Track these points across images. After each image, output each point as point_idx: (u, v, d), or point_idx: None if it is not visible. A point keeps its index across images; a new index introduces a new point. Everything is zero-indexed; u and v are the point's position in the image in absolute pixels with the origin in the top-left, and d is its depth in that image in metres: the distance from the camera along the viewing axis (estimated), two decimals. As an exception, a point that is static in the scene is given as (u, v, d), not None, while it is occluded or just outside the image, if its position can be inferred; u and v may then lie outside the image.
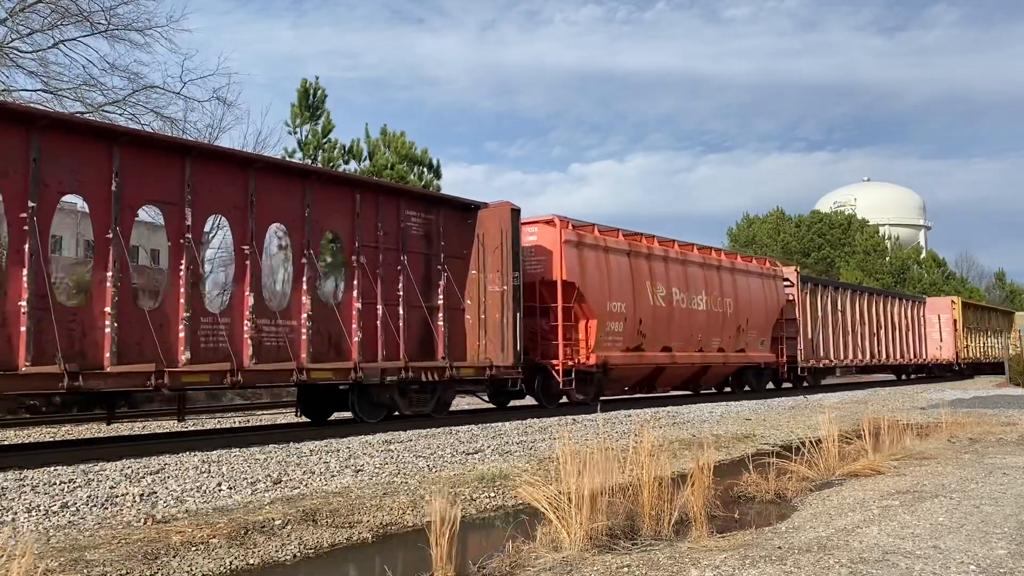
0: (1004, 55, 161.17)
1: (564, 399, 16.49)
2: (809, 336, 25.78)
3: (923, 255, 66.70)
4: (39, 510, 6.30)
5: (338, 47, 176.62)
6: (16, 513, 6.21)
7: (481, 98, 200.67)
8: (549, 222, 16.37)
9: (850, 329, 29.31)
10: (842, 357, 28.49)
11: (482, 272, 14.55)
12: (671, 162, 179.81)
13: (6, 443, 11.64)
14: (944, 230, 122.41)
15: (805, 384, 26.01)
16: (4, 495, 6.72)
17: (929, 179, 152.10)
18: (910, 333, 34.88)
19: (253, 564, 5.39)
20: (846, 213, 68.31)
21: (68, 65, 20.81)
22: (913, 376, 37.46)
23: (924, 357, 36.03)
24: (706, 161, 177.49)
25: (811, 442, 8.67)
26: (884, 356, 32.13)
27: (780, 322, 23.96)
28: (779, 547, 5.19)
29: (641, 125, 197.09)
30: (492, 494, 7.56)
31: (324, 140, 27.93)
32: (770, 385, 25.11)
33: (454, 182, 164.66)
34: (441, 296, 14.02)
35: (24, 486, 7.08)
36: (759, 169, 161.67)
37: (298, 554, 5.69)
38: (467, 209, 14.84)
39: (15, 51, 20.12)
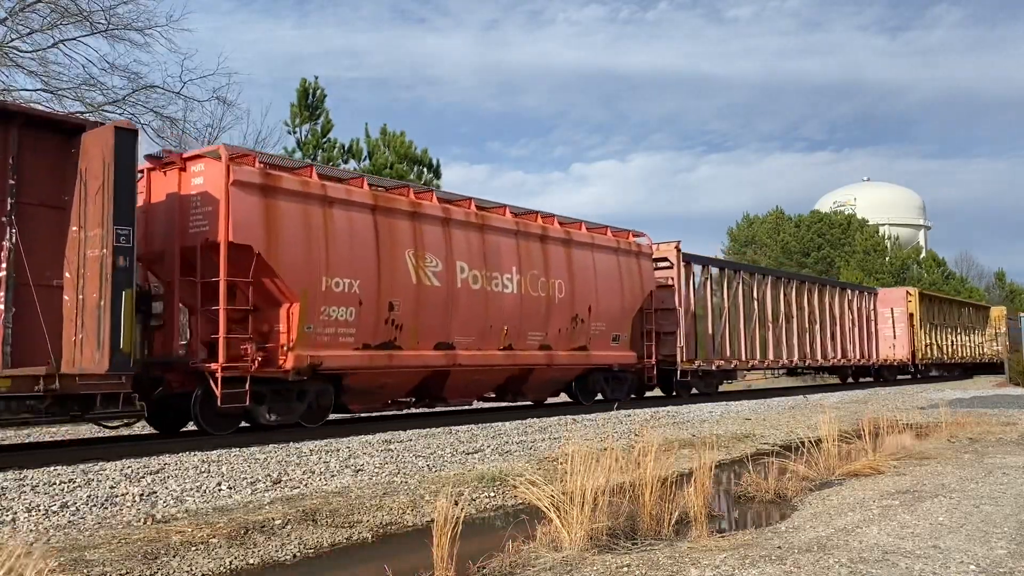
0: (1007, 55, 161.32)
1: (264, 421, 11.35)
2: (709, 331, 21.12)
3: (923, 255, 66.68)
4: (39, 510, 6.30)
5: (341, 47, 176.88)
6: (16, 513, 6.21)
7: (484, 98, 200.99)
8: (215, 155, 10.97)
9: (771, 324, 24.21)
10: (756, 358, 23.35)
11: (83, 228, 9.45)
12: (673, 162, 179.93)
13: (6, 443, 11.63)
14: (944, 230, 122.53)
15: (694, 392, 20.85)
16: (4, 495, 6.72)
17: (930, 179, 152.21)
18: (857, 329, 30.17)
19: (253, 564, 5.39)
20: (846, 213, 68.29)
21: (68, 65, 20.81)
22: (860, 380, 32.72)
23: (874, 357, 31.27)
24: (708, 161, 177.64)
25: (811, 442, 8.68)
26: (820, 356, 27.18)
27: (649, 313, 18.54)
28: (779, 547, 5.19)
29: (643, 125, 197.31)
30: (492, 494, 7.56)
31: (323, 140, 27.94)
32: (669, 394, 20.76)
33: (456, 181, 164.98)
34: (3, 266, 9.17)
35: (24, 486, 7.08)
36: (761, 169, 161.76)
37: (298, 554, 5.69)
38: (64, 131, 9.76)
39: (15, 51, 20.13)
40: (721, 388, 23.63)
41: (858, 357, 30.14)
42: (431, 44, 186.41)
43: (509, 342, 14.56)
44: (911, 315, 33.12)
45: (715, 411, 16.13)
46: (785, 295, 25.29)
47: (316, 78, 28.15)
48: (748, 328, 23.05)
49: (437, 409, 15.86)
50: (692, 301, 20.55)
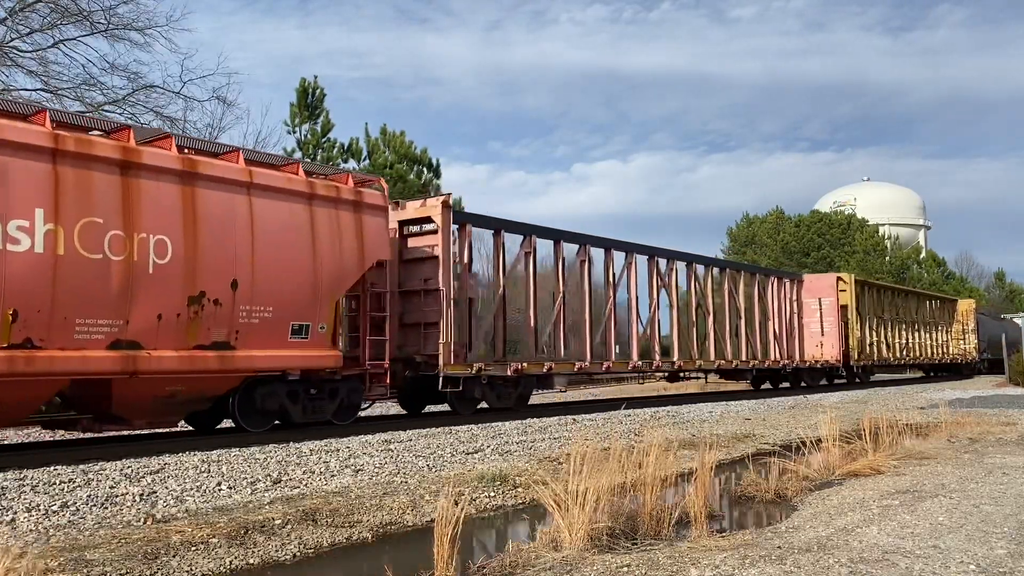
0: (1010, 55, 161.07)
1: None
2: (509, 322, 16.45)
3: (923, 255, 66.70)
4: (39, 510, 6.30)
5: (344, 47, 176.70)
6: (16, 513, 6.21)
7: (486, 98, 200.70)
8: None
9: (635, 316, 19.09)
10: (592, 359, 17.35)
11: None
12: (674, 162, 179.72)
13: (6, 443, 11.64)
14: (944, 230, 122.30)
15: (483, 407, 15.39)
16: (4, 495, 6.72)
17: (931, 179, 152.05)
18: (773, 323, 24.79)
19: (253, 564, 5.39)
20: (846, 213, 68.30)
21: (68, 64, 20.82)
22: (779, 387, 26.47)
23: (795, 357, 25.54)
24: (709, 161, 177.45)
25: (811, 442, 8.68)
26: (716, 357, 21.81)
27: (383, 294, 13.11)
28: (779, 547, 5.19)
29: (645, 125, 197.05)
30: (492, 494, 7.56)
31: (323, 139, 27.96)
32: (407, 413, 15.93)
33: (457, 181, 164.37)
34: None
35: (24, 486, 7.08)
36: (762, 169, 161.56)
37: (298, 554, 5.69)
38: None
39: (15, 50, 20.13)
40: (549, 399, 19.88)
41: (777, 358, 24.41)
42: (434, 44, 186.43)
43: (26, 336, 8.68)
44: (843, 307, 27.23)
45: (715, 411, 16.13)
46: (660, 277, 19.98)
47: (316, 78, 28.20)
48: (580, 319, 17.49)
49: (437, 409, 15.86)
50: (471, 279, 15.42)
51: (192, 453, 9.15)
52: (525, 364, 15.38)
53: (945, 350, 38.08)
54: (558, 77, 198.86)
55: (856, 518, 6.12)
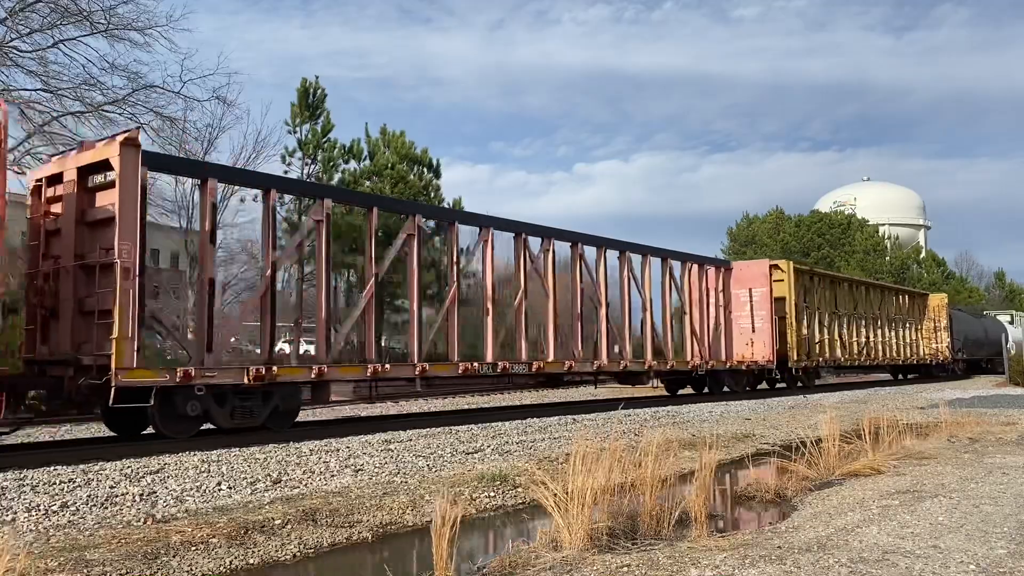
0: (1012, 55, 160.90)
1: None
2: (255, 308, 12.10)
3: (923, 255, 66.70)
4: (39, 510, 6.30)
5: (347, 47, 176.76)
6: (16, 513, 6.21)
7: (488, 98, 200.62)
8: None
9: (490, 306, 15.10)
10: (413, 359, 13.49)
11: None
12: (676, 162, 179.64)
13: (6, 443, 11.63)
14: (944, 230, 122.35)
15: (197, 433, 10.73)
16: (4, 495, 6.72)
17: (932, 179, 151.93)
18: (690, 318, 20.74)
19: (253, 564, 5.39)
20: (846, 213, 68.30)
21: (68, 64, 20.80)
22: (698, 391, 21.92)
23: (722, 358, 21.54)
24: (711, 161, 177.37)
25: (811, 442, 8.68)
26: (606, 358, 17.66)
27: None
28: (779, 547, 5.19)
29: (647, 125, 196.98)
30: (492, 494, 7.56)
31: (323, 139, 27.95)
32: None
33: (458, 181, 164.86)
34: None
35: (24, 486, 7.08)
36: (764, 169, 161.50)
37: (298, 554, 5.69)
38: None
39: (15, 50, 20.12)
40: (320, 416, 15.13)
41: (692, 359, 20.36)
42: (436, 44, 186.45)
43: None
44: (778, 299, 23.17)
45: (715, 411, 16.13)
46: (530, 260, 16.06)
47: (316, 78, 28.18)
48: (363, 306, 13.11)
49: (437, 409, 15.83)
50: (219, 252, 12.40)
51: (192, 453, 9.15)
52: (276, 368, 11.18)
53: (915, 350, 34.00)
54: (560, 77, 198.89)
55: (856, 518, 6.12)
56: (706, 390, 21.68)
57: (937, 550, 5.05)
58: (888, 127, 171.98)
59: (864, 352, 28.94)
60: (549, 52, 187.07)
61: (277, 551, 5.63)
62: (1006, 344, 42.64)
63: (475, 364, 14.34)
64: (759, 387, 23.59)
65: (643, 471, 6.06)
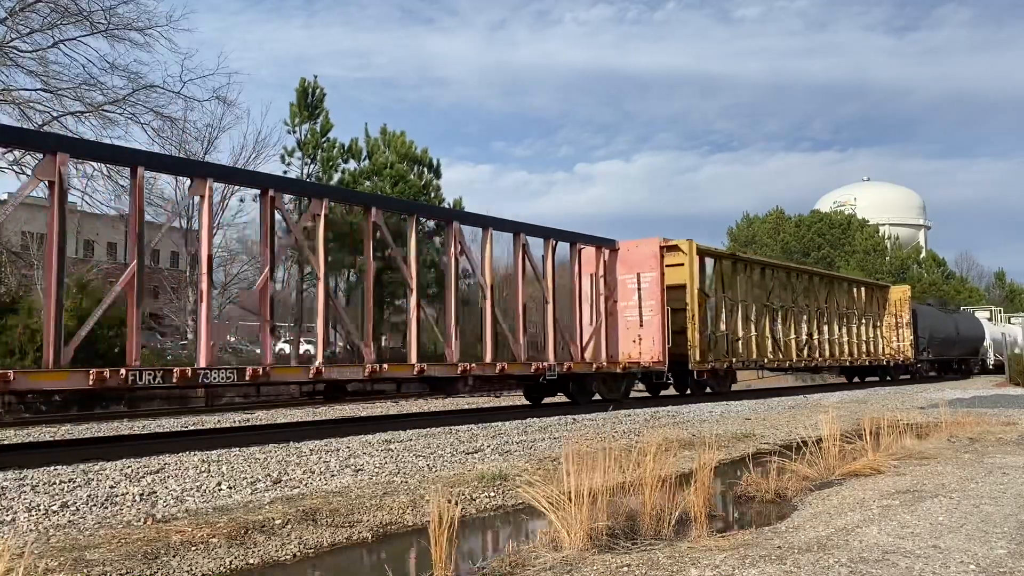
0: (1013, 56, 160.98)
1: None
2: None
3: (923, 255, 66.70)
4: (39, 509, 6.30)
5: (349, 47, 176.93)
6: (16, 513, 6.21)
7: (490, 98, 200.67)
8: None
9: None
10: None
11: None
12: (677, 162, 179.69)
13: (6, 443, 11.63)
14: (944, 230, 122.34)
15: None
16: (4, 495, 6.72)
17: (933, 179, 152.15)
18: (553, 309, 16.76)
19: (253, 564, 5.38)
20: (846, 213, 68.32)
21: (68, 64, 20.83)
22: (545, 402, 17.87)
23: (601, 359, 17.77)
24: (712, 161, 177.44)
25: (811, 442, 8.67)
26: (414, 359, 13.70)
27: None
28: (779, 547, 5.19)
29: (649, 124, 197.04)
30: (492, 494, 7.56)
31: (323, 139, 27.96)
32: None
33: (459, 181, 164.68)
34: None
35: (24, 485, 7.08)
36: (765, 169, 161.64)
37: (298, 554, 5.69)
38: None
39: (15, 50, 20.13)
40: None
41: (550, 360, 16.11)
42: (438, 44, 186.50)
43: None
44: (674, 287, 19.06)
45: (715, 411, 16.14)
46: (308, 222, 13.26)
47: (315, 77, 28.21)
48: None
49: (437, 409, 15.79)
50: None
51: (192, 453, 9.15)
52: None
53: (872, 348, 30.09)
54: (562, 77, 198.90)
55: (856, 518, 6.12)
56: (601, 398, 17.49)
57: (937, 550, 5.05)
58: (889, 127, 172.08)
59: (806, 352, 25.11)
60: (551, 52, 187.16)
61: (277, 551, 5.63)
62: (984, 343, 40.31)
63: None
64: (648, 394, 20.19)
65: (642, 471, 6.05)
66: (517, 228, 16.25)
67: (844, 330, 28.06)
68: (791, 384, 31.43)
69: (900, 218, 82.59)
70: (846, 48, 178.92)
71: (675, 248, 19.44)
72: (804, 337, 25.24)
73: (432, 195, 28.97)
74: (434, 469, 8.70)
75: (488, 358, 15.01)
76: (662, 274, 18.46)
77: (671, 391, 20.76)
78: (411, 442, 10.45)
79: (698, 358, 19.32)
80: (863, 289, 30.94)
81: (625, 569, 4.71)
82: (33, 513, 6.21)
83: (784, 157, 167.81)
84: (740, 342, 21.77)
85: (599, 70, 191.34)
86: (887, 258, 61.36)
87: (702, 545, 5.27)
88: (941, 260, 66.87)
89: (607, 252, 18.56)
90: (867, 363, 29.81)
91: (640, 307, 18.55)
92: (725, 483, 8.67)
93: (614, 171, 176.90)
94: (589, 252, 18.37)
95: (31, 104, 20.23)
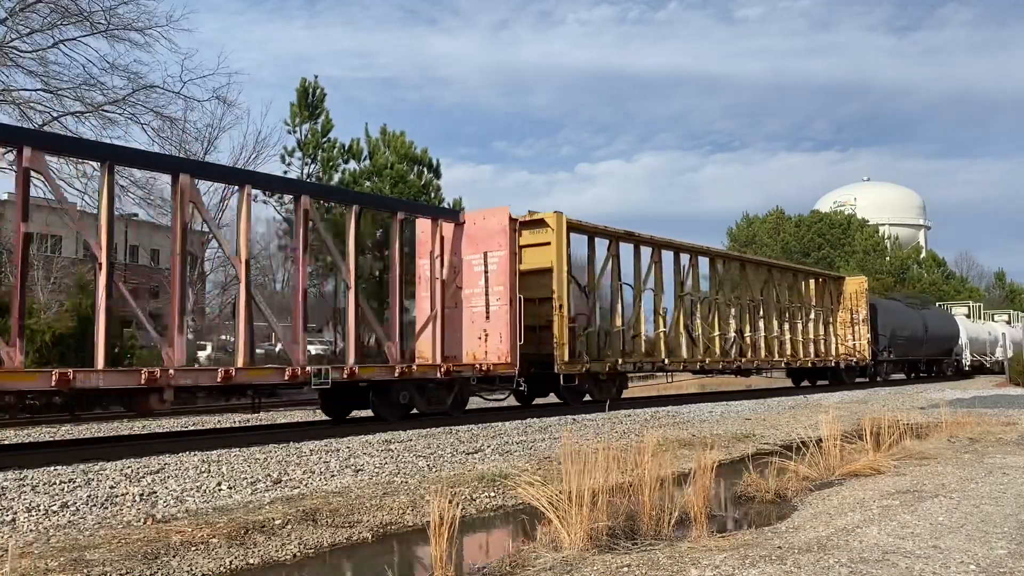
0: (1015, 56, 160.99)
1: None
2: None
3: (923, 255, 66.72)
4: (39, 510, 6.30)
5: (351, 47, 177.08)
6: (16, 513, 6.21)
7: (492, 98, 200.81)
8: None
9: None
10: None
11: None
12: (679, 162, 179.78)
13: (6, 443, 11.63)
14: (944, 230, 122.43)
15: None
16: (4, 495, 6.72)
17: (933, 179, 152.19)
18: (356, 295, 13.23)
19: (253, 564, 5.38)
20: (846, 213, 68.34)
21: (68, 65, 20.83)
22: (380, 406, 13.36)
23: (436, 359, 13.93)
24: (714, 161, 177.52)
25: (811, 442, 8.67)
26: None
27: None
28: (779, 547, 5.19)
29: (650, 124, 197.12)
30: (492, 494, 7.56)
31: (323, 139, 27.96)
32: None
33: (460, 181, 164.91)
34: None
35: (24, 486, 7.08)
36: (767, 169, 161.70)
37: (298, 554, 5.68)
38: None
39: (15, 51, 20.13)
40: None
41: (352, 361, 12.54)
42: (440, 44, 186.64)
43: None
44: (532, 272, 15.55)
45: (715, 411, 16.14)
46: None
47: (316, 77, 28.20)
48: None
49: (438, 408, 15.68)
50: None
51: (192, 453, 9.15)
52: None
53: (824, 348, 26.49)
54: (564, 77, 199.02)
55: (856, 518, 6.12)
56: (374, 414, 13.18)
57: (937, 550, 5.05)
58: (890, 127, 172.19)
59: (734, 351, 21.53)
60: (553, 52, 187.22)
61: (277, 551, 5.63)
62: (960, 342, 36.41)
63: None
64: (518, 404, 16.56)
65: (642, 471, 6.05)
66: (298, 189, 13.17)
67: (787, 326, 24.42)
68: (712, 389, 26.98)
69: (900, 218, 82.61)
70: (847, 48, 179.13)
71: (540, 223, 15.87)
72: (732, 335, 21.59)
73: (432, 195, 28.95)
74: (434, 469, 8.70)
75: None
76: (512, 253, 14.54)
77: (564, 398, 16.68)
78: (411, 442, 10.45)
79: (567, 358, 15.41)
80: (812, 280, 27.29)
81: (625, 569, 4.71)
82: (33, 513, 6.21)
83: (785, 157, 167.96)
84: (641, 340, 18.40)
85: (601, 70, 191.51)
86: (887, 258, 61.37)
87: (702, 545, 5.27)
88: (941, 260, 66.89)
89: (445, 225, 14.76)
90: (810, 364, 25.59)
91: (487, 294, 14.54)
92: (725, 483, 8.68)
93: (615, 171, 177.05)
94: (425, 225, 14.96)
95: (31, 104, 20.24)
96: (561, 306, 15.54)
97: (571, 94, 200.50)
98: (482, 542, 6.56)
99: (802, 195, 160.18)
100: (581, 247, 17.31)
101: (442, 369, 13.34)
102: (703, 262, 21.24)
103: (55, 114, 20.45)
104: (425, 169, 29.51)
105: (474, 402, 15.36)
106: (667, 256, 19.66)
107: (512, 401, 16.57)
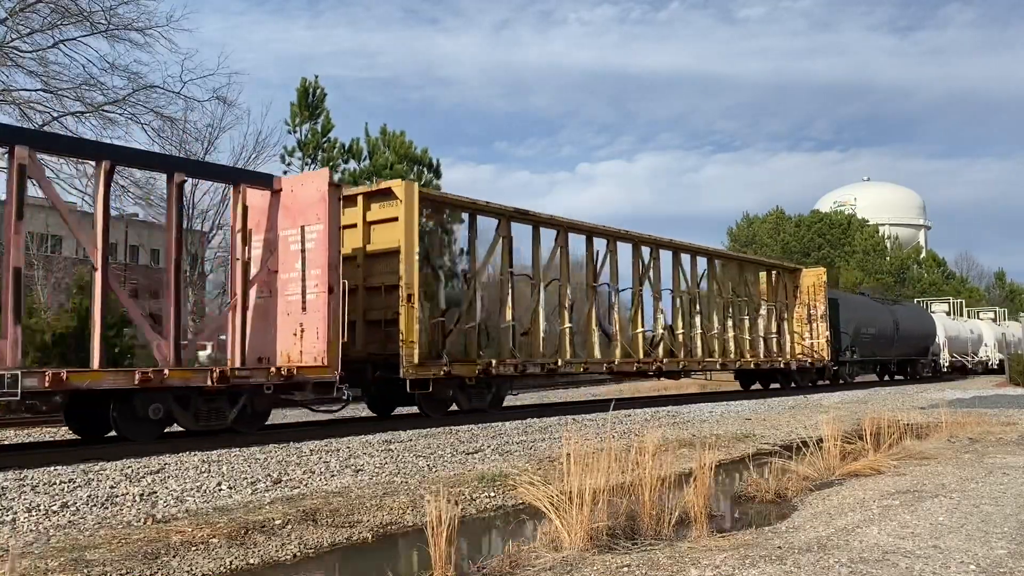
0: (1018, 56, 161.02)
1: None
2: None
3: (923, 255, 66.70)
4: (39, 510, 6.30)
5: (353, 47, 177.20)
6: (16, 513, 6.21)
7: (493, 98, 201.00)
8: None
9: None
10: None
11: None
12: (680, 162, 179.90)
13: (6, 443, 11.63)
14: (944, 230, 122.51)
15: None
16: (4, 495, 6.72)
17: (934, 179, 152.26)
18: (103, 277, 10.02)
19: (253, 564, 5.39)
20: (846, 213, 68.31)
21: (68, 65, 20.84)
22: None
23: (240, 361, 11.18)
24: (715, 161, 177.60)
25: (812, 442, 8.68)
26: None
27: None
28: (779, 547, 5.19)
29: (651, 125, 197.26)
30: (492, 494, 7.56)
31: (323, 139, 27.97)
32: None
33: (461, 181, 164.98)
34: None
35: (24, 486, 7.08)
36: (768, 169, 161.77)
37: (298, 554, 5.69)
38: None
39: (15, 51, 20.14)
40: None
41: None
42: (442, 44, 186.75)
43: None
44: (382, 254, 13.29)
45: (715, 411, 16.14)
46: None
47: (316, 77, 28.24)
48: None
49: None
50: None
51: (192, 453, 9.15)
52: None
53: (775, 347, 23.81)
54: (565, 77, 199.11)
55: (856, 518, 6.12)
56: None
57: (937, 550, 5.05)
58: (891, 127, 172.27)
59: (660, 351, 18.97)
60: (555, 52, 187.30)
61: (277, 551, 5.63)
62: (938, 341, 33.91)
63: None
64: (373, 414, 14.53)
65: (642, 471, 6.05)
66: (11, 139, 9.61)
67: (730, 322, 21.82)
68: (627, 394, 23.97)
69: (900, 218, 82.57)
70: (849, 48, 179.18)
71: (387, 194, 13.19)
72: (660, 331, 19.00)
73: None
74: (434, 469, 8.70)
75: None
76: (334, 227, 11.50)
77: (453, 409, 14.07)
78: (411, 442, 10.45)
79: (416, 360, 12.55)
80: (763, 271, 24.68)
81: (625, 569, 4.71)
82: (33, 513, 6.21)
83: (786, 157, 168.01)
84: (539, 338, 15.62)
85: (602, 70, 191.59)
86: (887, 258, 61.36)
87: (702, 545, 5.27)
88: (941, 260, 66.86)
89: (252, 192, 11.80)
90: (753, 366, 22.51)
91: (304, 279, 11.62)
92: (725, 483, 8.68)
93: (616, 171, 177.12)
94: (240, 194, 11.74)
95: (31, 104, 20.25)
96: (411, 295, 12.70)
97: (572, 94, 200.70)
98: (482, 542, 6.56)
99: (803, 195, 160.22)
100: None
101: (214, 374, 10.40)
102: (624, 249, 18.39)
103: (55, 114, 20.47)
104: (425, 169, 29.54)
105: (297, 415, 14.01)
106: (577, 241, 17.07)
107: (355, 411, 14.54)
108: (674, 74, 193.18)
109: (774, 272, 25.38)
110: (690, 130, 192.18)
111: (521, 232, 15.86)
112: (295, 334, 11.70)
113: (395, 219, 13.04)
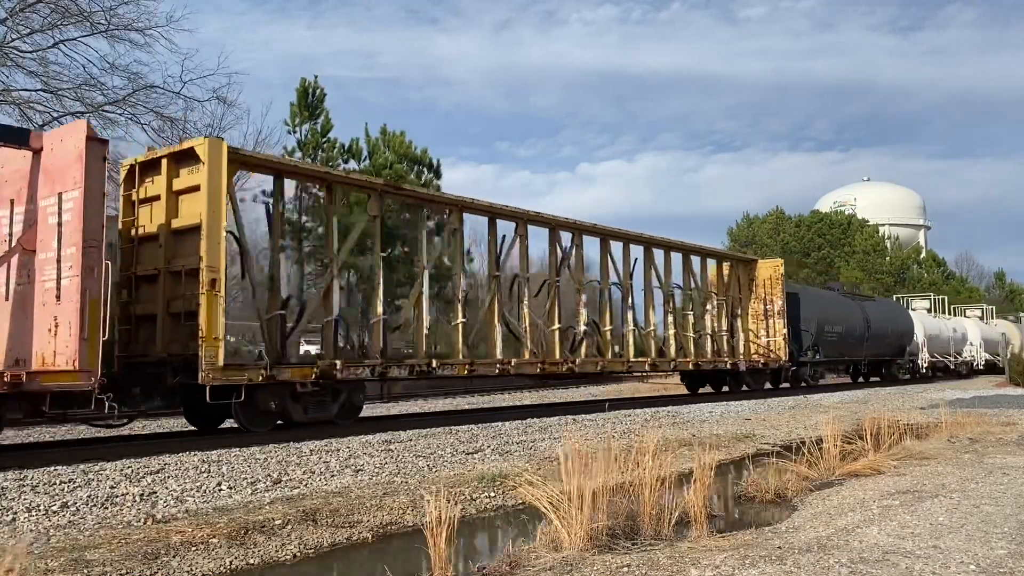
0: (1019, 56, 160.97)
1: None
2: None
3: (923, 255, 66.68)
4: (39, 510, 6.30)
5: (354, 47, 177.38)
6: (16, 513, 6.21)
7: (494, 98, 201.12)
8: None
9: None
10: None
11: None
12: (680, 162, 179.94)
13: (6, 443, 11.63)
14: (944, 230, 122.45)
15: None
16: (4, 495, 6.72)
17: (934, 179, 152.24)
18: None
19: (253, 564, 5.39)
20: (846, 213, 68.28)
21: (68, 65, 20.82)
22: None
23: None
24: (715, 161, 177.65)
25: (811, 442, 8.68)
26: None
27: None
28: (779, 547, 5.19)
29: (652, 125, 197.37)
30: (492, 494, 7.56)
31: (323, 139, 27.96)
32: None
33: (462, 182, 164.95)
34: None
35: (24, 486, 7.08)
36: (768, 169, 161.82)
37: (298, 554, 5.69)
38: None
39: (15, 51, 20.13)
40: None
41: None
42: (443, 45, 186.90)
43: None
44: (183, 231, 10.78)
45: (715, 411, 16.14)
46: None
47: (316, 77, 28.18)
48: None
49: (438, 409, 15.71)
50: None
51: (192, 453, 9.15)
52: None
53: (726, 346, 21.69)
54: (567, 77, 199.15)
55: (856, 518, 6.12)
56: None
57: (937, 550, 5.05)
58: (891, 127, 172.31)
59: (583, 349, 16.78)
60: (556, 52, 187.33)
61: (277, 551, 5.63)
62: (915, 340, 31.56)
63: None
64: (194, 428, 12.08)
65: (642, 471, 6.05)
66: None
67: (671, 318, 19.80)
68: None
69: (900, 218, 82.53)
70: (850, 48, 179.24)
71: (191, 157, 10.80)
72: (582, 328, 16.85)
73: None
74: (434, 469, 8.70)
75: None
76: (89, 192, 8.83)
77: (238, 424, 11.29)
78: (411, 442, 10.44)
79: (220, 362, 10.22)
80: (712, 262, 22.18)
81: (625, 569, 4.71)
82: (33, 513, 6.21)
83: (786, 157, 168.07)
84: (422, 334, 13.60)
85: (603, 70, 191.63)
86: (887, 258, 61.34)
87: (702, 545, 5.27)
88: (941, 260, 66.80)
89: (4, 151, 9.57)
90: (691, 367, 20.11)
91: (59, 261, 8.98)
92: (725, 483, 8.68)
93: (617, 171, 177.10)
94: None
95: (31, 104, 20.24)
96: (215, 280, 10.28)
97: (573, 94, 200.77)
98: (482, 542, 6.56)
99: (803, 195, 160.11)
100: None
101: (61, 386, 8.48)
102: (538, 234, 16.11)
103: (55, 114, 20.47)
104: (425, 169, 29.52)
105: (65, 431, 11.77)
106: (477, 223, 14.90)
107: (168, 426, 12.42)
108: (675, 74, 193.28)
109: (726, 263, 22.96)
110: (690, 130, 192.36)
111: (388, 205, 14.02)
112: (50, 330, 8.93)
113: (198, 187, 10.64)
